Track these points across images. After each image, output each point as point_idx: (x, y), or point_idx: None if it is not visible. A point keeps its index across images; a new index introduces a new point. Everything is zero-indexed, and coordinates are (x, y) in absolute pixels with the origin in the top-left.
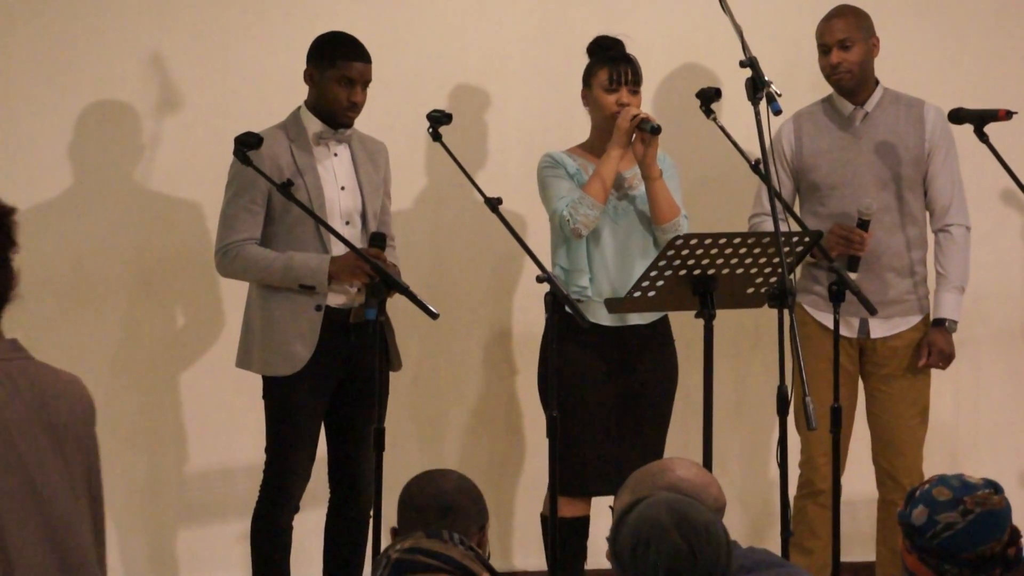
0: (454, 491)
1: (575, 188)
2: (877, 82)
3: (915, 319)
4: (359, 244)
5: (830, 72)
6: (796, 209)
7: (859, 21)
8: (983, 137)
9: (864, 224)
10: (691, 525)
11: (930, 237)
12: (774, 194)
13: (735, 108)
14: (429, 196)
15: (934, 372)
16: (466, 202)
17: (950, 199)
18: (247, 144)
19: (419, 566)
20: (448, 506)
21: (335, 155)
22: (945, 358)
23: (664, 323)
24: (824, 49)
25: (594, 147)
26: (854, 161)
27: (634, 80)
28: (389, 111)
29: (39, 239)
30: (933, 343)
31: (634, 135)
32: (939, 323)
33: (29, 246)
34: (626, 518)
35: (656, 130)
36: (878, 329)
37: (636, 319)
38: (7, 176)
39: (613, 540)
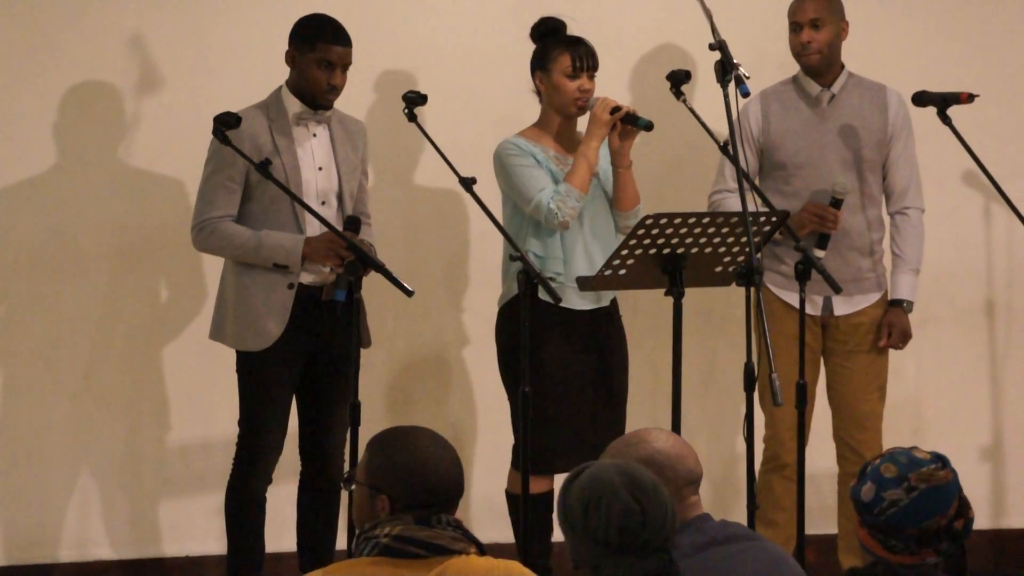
0: (453, 483)
1: (549, 178)
2: (843, 66)
3: (875, 296)
4: (334, 224)
5: (800, 50)
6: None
7: (830, 3)
8: (946, 120)
9: (837, 203)
10: (640, 485)
11: (886, 218)
12: (742, 175)
13: (707, 89)
14: (403, 176)
15: (898, 352)
16: (441, 182)
17: (908, 182)
18: (226, 123)
19: (408, 554)
20: (445, 499)
21: (314, 135)
22: (904, 338)
23: (614, 301)
24: (795, 27)
25: (549, 128)
26: (820, 141)
27: (593, 65)
28: (365, 92)
29: (23, 215)
30: (893, 324)
31: (616, 127)
32: (897, 304)
33: (13, 222)
34: (575, 482)
35: (650, 127)
36: (841, 307)
37: (592, 300)
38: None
39: (563, 504)
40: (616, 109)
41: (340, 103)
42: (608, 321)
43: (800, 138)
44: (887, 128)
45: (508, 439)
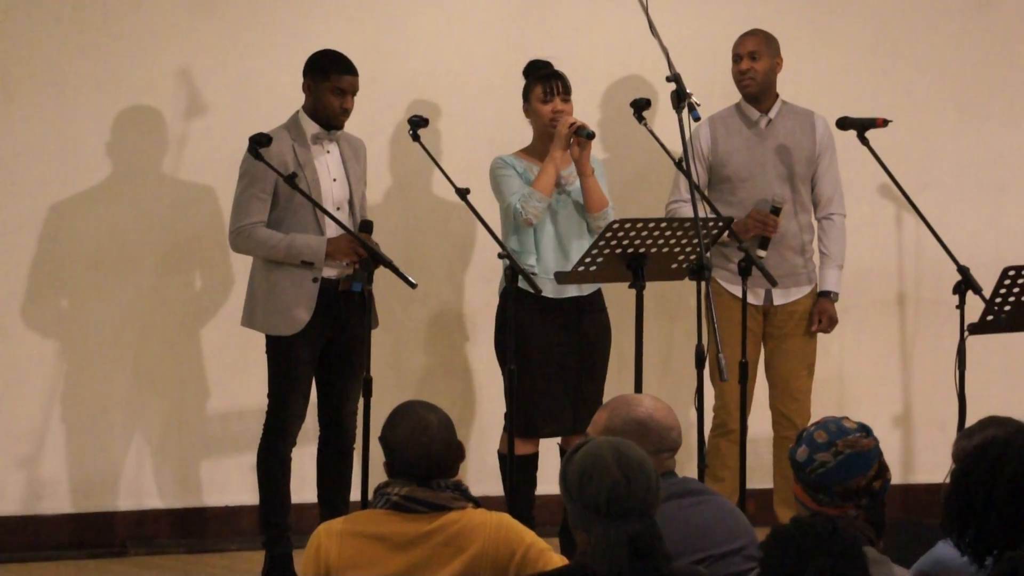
0: (441, 447)
1: (524, 185)
2: (777, 95)
3: (807, 288)
4: (349, 227)
5: (739, 78)
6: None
7: (767, 41)
8: (864, 141)
9: (776, 211)
10: (628, 461)
11: (815, 223)
12: (694, 187)
13: (665, 113)
14: (404, 187)
15: (825, 334)
16: (435, 192)
17: (833, 192)
18: (259, 142)
19: (413, 510)
20: (436, 464)
21: (328, 152)
22: (832, 324)
23: (598, 294)
24: (737, 59)
25: (536, 151)
26: (760, 159)
27: (564, 90)
28: (375, 117)
29: (85, 220)
30: (823, 311)
31: (572, 139)
32: (825, 295)
33: (76, 226)
34: (574, 456)
35: (591, 135)
36: (779, 297)
37: (574, 291)
38: (57, 167)
39: (563, 474)
40: (572, 124)
41: (358, 126)
42: (591, 309)
43: (743, 156)
44: (815, 147)
45: (499, 408)
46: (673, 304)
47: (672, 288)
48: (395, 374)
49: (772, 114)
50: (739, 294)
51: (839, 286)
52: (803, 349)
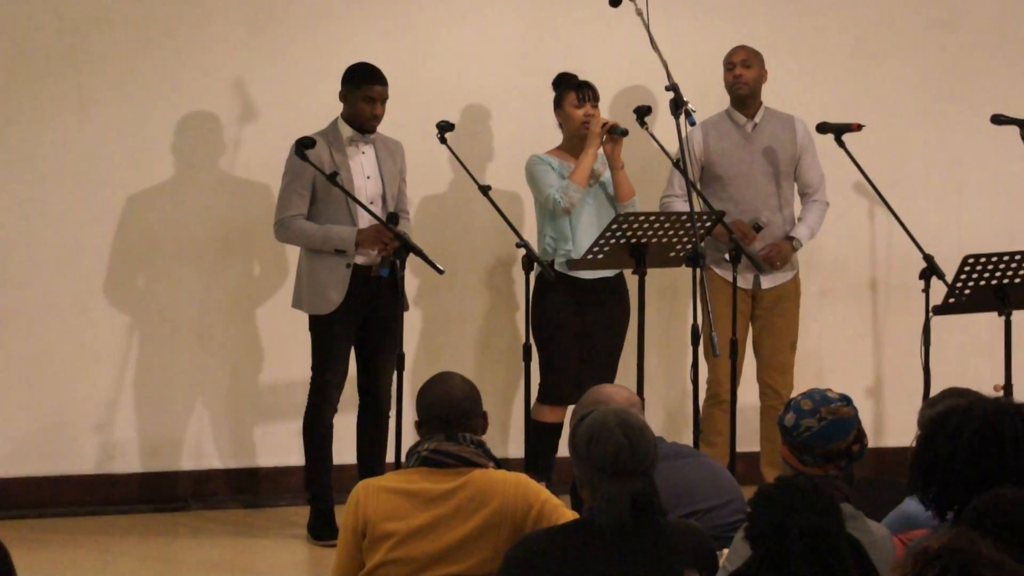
0: (460, 399)
1: (560, 179)
2: (762, 102)
3: (791, 274)
4: (381, 219)
5: (733, 82)
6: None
7: (756, 54)
8: (841, 143)
9: (758, 229)
10: (630, 427)
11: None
12: (690, 184)
13: (664, 118)
14: (433, 185)
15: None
16: (460, 189)
17: (817, 184)
18: (304, 145)
19: (441, 463)
20: (457, 412)
21: (363, 153)
22: (781, 259)
23: (621, 278)
24: (730, 66)
25: (568, 149)
26: (747, 159)
27: (594, 96)
28: (406, 122)
29: (151, 213)
30: (779, 248)
31: (604, 137)
32: (790, 239)
33: (144, 218)
34: (582, 422)
35: (624, 133)
36: (766, 282)
37: (598, 273)
38: (130, 166)
39: (572, 439)
40: (605, 124)
41: (392, 129)
42: (615, 291)
43: (732, 156)
44: (796, 147)
45: (516, 379)
46: (671, 289)
47: (670, 274)
48: (422, 350)
49: (757, 119)
50: (730, 279)
51: (804, 240)
52: (787, 328)
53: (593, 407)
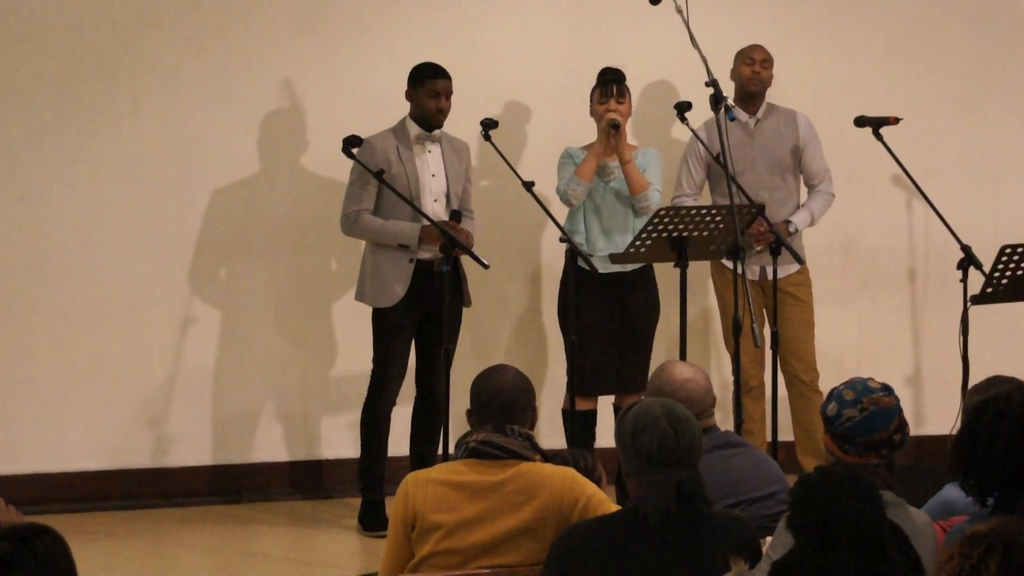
0: (511, 391)
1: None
2: (764, 100)
3: (796, 267)
4: (445, 216)
5: (751, 76)
6: (708, 190)
7: (771, 56)
8: (879, 136)
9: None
10: (676, 417)
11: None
12: (730, 179)
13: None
14: (479, 181)
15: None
16: (505, 185)
17: (822, 174)
18: (350, 143)
19: (488, 455)
20: (508, 404)
21: (429, 151)
22: (765, 240)
23: (649, 270)
24: (749, 62)
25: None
26: (751, 154)
27: (618, 93)
28: (451, 119)
29: (232, 209)
30: (774, 227)
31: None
32: (786, 222)
33: (225, 214)
34: (628, 413)
35: (616, 125)
36: (770, 274)
37: (617, 268)
38: (218, 164)
39: (619, 429)
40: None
41: (451, 129)
42: (636, 285)
43: (736, 153)
44: (799, 140)
45: (554, 373)
46: (709, 281)
47: (709, 267)
48: (471, 344)
49: (759, 115)
50: (738, 271)
51: (801, 226)
52: (802, 316)
53: (657, 385)
